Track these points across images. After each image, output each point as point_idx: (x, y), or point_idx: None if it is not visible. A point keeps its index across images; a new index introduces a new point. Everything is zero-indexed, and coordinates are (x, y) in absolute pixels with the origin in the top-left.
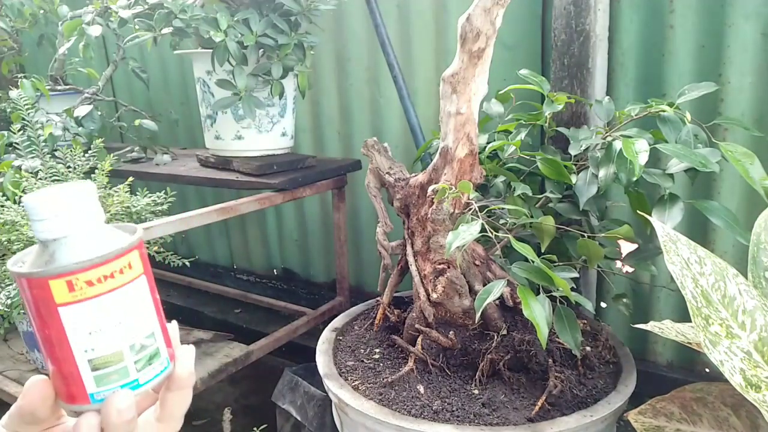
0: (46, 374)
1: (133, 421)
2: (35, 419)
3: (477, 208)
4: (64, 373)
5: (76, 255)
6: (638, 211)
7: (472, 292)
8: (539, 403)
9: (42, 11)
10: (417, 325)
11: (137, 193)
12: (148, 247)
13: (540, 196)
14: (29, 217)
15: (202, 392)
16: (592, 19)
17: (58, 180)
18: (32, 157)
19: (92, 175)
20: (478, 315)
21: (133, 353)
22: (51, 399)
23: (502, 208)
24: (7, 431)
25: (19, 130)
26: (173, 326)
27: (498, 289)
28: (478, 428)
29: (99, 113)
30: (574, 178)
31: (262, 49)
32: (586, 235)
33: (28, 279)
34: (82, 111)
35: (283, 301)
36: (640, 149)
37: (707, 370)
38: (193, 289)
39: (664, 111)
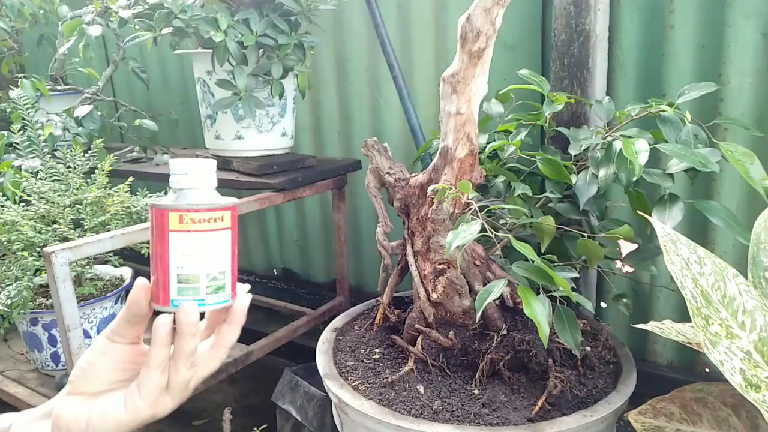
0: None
1: (195, 326)
2: (139, 310)
3: (477, 208)
4: (160, 281)
5: (190, 201)
6: (638, 211)
7: (472, 292)
8: (539, 403)
9: (42, 11)
10: (417, 325)
11: (137, 193)
12: (147, 247)
13: (540, 196)
14: (171, 171)
15: (201, 392)
16: (592, 19)
17: (58, 180)
18: (32, 157)
19: (92, 175)
20: (478, 315)
21: (207, 280)
22: (149, 296)
23: (502, 208)
24: (107, 339)
25: (19, 130)
26: (247, 290)
27: (498, 288)
28: (478, 428)
29: (99, 113)
30: (574, 178)
31: (262, 49)
32: (586, 235)
33: (157, 209)
34: (82, 111)
35: (283, 301)
36: (640, 149)
37: (707, 370)
38: None
39: (664, 111)
